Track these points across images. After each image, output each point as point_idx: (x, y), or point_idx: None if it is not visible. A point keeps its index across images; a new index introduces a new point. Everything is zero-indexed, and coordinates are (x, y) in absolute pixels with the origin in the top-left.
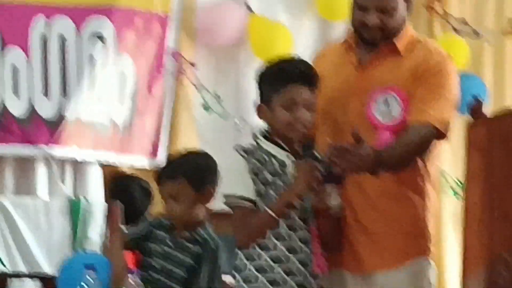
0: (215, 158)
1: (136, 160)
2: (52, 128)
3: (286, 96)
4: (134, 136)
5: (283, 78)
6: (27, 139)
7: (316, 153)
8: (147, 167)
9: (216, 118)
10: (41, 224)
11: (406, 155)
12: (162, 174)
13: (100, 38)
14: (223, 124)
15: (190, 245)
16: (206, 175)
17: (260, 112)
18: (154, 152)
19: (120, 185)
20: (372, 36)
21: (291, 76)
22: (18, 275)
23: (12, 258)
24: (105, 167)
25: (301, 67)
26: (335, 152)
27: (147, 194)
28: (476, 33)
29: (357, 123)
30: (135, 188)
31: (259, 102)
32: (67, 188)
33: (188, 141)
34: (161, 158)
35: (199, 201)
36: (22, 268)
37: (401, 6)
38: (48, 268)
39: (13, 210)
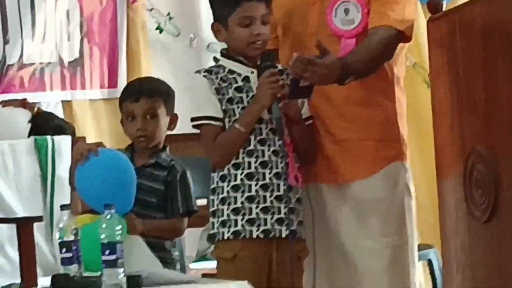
0: (177, 79)
1: (94, 94)
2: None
3: (242, 14)
4: (89, 69)
5: None
6: None
7: (276, 64)
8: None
9: (172, 40)
10: (8, 167)
11: (371, 60)
12: (136, 92)
13: None
14: (179, 44)
15: (157, 172)
16: (173, 101)
17: (217, 32)
18: (113, 83)
19: (36, 124)
20: None
21: None
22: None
23: None
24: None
25: None
26: (301, 64)
27: (62, 131)
28: None
29: (318, 32)
30: (49, 126)
31: (214, 22)
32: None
33: (146, 66)
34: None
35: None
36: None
37: None
38: (20, 210)
39: None
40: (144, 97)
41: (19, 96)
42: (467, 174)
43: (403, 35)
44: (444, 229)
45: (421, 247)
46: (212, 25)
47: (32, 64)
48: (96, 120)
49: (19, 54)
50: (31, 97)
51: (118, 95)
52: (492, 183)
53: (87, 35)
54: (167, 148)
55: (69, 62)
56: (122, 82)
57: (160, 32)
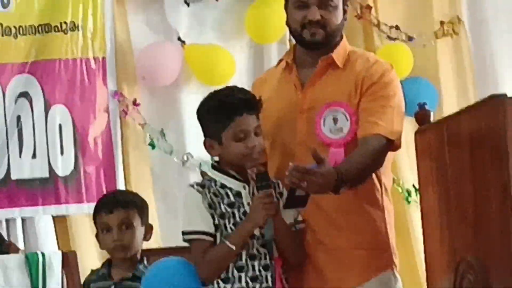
0: (169, 193)
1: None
2: None
3: (236, 129)
4: (84, 183)
5: (228, 112)
6: None
7: (270, 180)
8: None
9: (164, 155)
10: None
11: (364, 169)
12: (110, 203)
13: (26, 95)
14: (171, 160)
15: (136, 285)
16: (147, 212)
17: (209, 148)
18: None
19: None
20: (313, 33)
21: (235, 109)
22: None
23: None
24: (56, 218)
25: (242, 96)
26: (298, 174)
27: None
28: (410, 39)
29: (307, 141)
30: None
31: (206, 138)
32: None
33: (142, 179)
34: None
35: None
36: None
37: (340, 9)
38: None
39: None
40: (119, 208)
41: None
42: (457, 284)
43: (392, 144)
44: None
45: None
46: (204, 141)
47: (22, 180)
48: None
49: (5, 170)
50: (20, 212)
51: None
52: None
53: (81, 149)
54: (145, 260)
55: (63, 177)
56: None
57: (153, 148)
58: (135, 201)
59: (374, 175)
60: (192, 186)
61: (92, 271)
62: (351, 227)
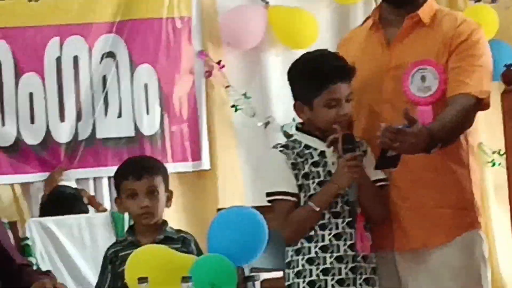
0: (254, 156)
1: (178, 167)
2: (70, 152)
3: (329, 97)
4: (170, 143)
5: (322, 79)
6: (44, 167)
7: (356, 142)
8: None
9: (247, 117)
10: (86, 240)
11: (455, 129)
12: (138, 170)
13: (112, 55)
14: (253, 122)
15: (170, 245)
16: (168, 179)
17: (299, 111)
18: (196, 156)
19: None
20: None
21: (330, 77)
22: None
23: (61, 278)
24: None
25: (337, 63)
26: (390, 134)
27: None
28: (493, 0)
29: (393, 101)
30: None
31: (296, 101)
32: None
33: (226, 141)
34: (205, 161)
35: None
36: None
37: None
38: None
39: (57, 229)
40: (146, 174)
41: (94, 170)
42: None
43: (481, 103)
44: None
45: None
46: (295, 104)
47: (108, 139)
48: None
49: (90, 129)
50: (106, 170)
51: (203, 167)
52: None
53: (166, 109)
54: (167, 223)
55: (149, 136)
56: (205, 156)
57: (236, 110)
58: (160, 167)
59: (463, 135)
60: (275, 147)
61: (114, 242)
62: (437, 186)
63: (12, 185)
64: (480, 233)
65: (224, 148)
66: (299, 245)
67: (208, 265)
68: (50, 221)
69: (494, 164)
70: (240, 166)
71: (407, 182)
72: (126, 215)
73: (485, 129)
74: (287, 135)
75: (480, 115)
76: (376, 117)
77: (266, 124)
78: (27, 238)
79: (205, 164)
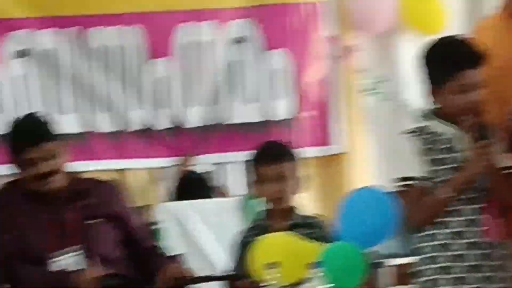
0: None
1: (309, 152)
2: (201, 137)
3: (461, 82)
4: (302, 128)
5: (457, 63)
6: (175, 152)
7: (489, 133)
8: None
9: (379, 101)
10: (216, 225)
11: None
12: (273, 155)
13: (245, 39)
14: (386, 107)
15: (302, 231)
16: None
17: (431, 94)
18: (328, 140)
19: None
20: None
21: (465, 62)
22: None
23: (189, 263)
24: None
25: (471, 49)
26: None
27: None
28: None
29: None
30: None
31: (430, 84)
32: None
33: (358, 125)
34: (338, 145)
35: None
36: (204, 271)
37: None
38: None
39: (187, 214)
40: (278, 160)
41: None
42: None
43: None
44: None
45: None
46: (427, 89)
47: (239, 124)
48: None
49: (222, 114)
50: (237, 156)
51: (335, 152)
52: None
53: (300, 94)
54: (296, 209)
55: (281, 121)
56: (338, 140)
57: (369, 95)
58: (291, 153)
59: None
60: (406, 133)
61: (248, 227)
62: None
63: (144, 169)
64: None
65: (356, 132)
66: (428, 231)
67: (338, 253)
68: (180, 206)
69: None
70: (372, 151)
71: None
72: (257, 201)
73: None
74: (418, 120)
75: None
76: (509, 105)
77: (400, 108)
78: (157, 223)
79: (338, 148)
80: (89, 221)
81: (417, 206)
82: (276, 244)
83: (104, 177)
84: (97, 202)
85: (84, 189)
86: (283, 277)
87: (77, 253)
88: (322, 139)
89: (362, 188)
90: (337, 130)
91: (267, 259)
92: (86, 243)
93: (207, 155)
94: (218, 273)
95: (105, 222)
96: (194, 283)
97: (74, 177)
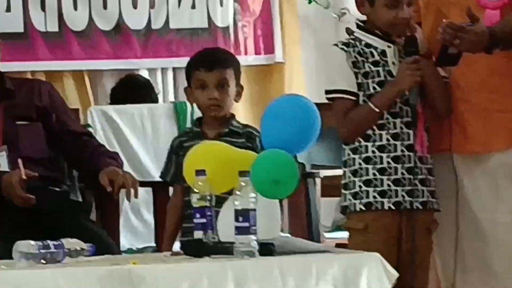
0: (321, 50)
1: (252, 60)
2: (142, 40)
3: None
4: (243, 35)
5: None
6: (116, 55)
7: (420, 47)
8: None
9: (318, 11)
10: (147, 130)
11: None
12: (209, 62)
13: None
14: (324, 16)
15: (234, 139)
16: (240, 73)
17: (360, 5)
18: (269, 49)
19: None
20: None
21: None
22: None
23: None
24: None
25: None
26: (451, 31)
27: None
28: None
29: (462, 2)
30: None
31: None
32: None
33: (295, 34)
34: (278, 54)
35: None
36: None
37: None
38: (157, 173)
39: (119, 118)
40: (218, 67)
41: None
42: None
43: None
44: None
45: None
46: (358, 1)
47: (180, 29)
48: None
49: (164, 20)
50: (178, 62)
51: (275, 61)
52: None
53: (240, 1)
54: (235, 117)
55: (222, 28)
56: (278, 49)
57: (309, 2)
58: (233, 60)
59: None
60: (336, 45)
61: (181, 133)
62: (500, 90)
63: (83, 71)
64: None
65: (294, 41)
66: (356, 144)
67: (270, 161)
68: (111, 109)
69: None
70: (308, 61)
71: (472, 85)
72: (190, 107)
73: None
74: (349, 32)
75: None
76: (443, 18)
77: (340, 16)
78: (89, 125)
79: (278, 57)
80: (18, 122)
81: (346, 119)
82: (208, 152)
83: (42, 78)
84: (25, 102)
85: (10, 89)
86: (214, 184)
87: (2, 153)
88: (262, 48)
89: (284, 95)
90: (277, 39)
91: (198, 166)
92: (12, 144)
93: (147, 59)
94: (149, 178)
95: (34, 122)
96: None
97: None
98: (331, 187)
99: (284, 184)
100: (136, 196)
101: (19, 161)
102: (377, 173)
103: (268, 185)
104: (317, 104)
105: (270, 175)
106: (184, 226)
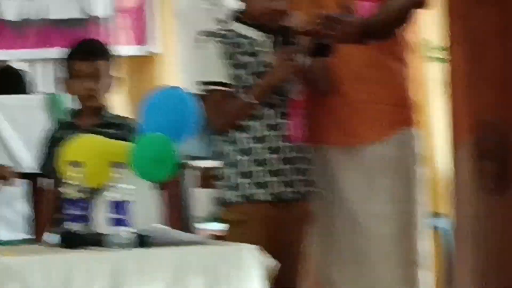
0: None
1: (127, 50)
2: (17, 31)
3: None
4: (117, 26)
5: None
6: None
7: (295, 38)
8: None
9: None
10: (21, 121)
11: (392, 23)
12: (84, 52)
13: None
14: (200, 8)
15: (106, 130)
16: (114, 64)
17: None
18: (145, 40)
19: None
20: None
21: None
22: None
23: None
24: None
25: None
26: (324, 21)
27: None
28: None
29: None
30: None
31: None
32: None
33: (172, 25)
34: (155, 45)
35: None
36: None
37: None
38: (31, 165)
39: None
40: (93, 57)
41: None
42: (479, 144)
43: (421, 1)
44: (456, 197)
45: (431, 215)
46: None
47: (55, 20)
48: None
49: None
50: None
51: (152, 51)
52: (503, 154)
53: None
54: (109, 108)
55: (98, 19)
56: (154, 40)
57: None
58: (108, 51)
59: (400, 31)
60: (210, 36)
61: (55, 124)
62: (373, 82)
63: None
64: (416, 130)
65: (170, 33)
66: (232, 136)
67: (150, 141)
68: None
69: (437, 60)
70: (183, 53)
71: (346, 77)
72: (65, 98)
73: (430, 25)
74: (224, 24)
75: (426, 11)
76: (318, 7)
77: (215, 6)
78: None
79: (154, 48)
80: None
81: (220, 110)
82: (82, 144)
83: None
84: None
85: None
86: (89, 176)
87: None
88: (138, 39)
89: (163, 87)
90: (152, 30)
91: (73, 158)
92: None
93: (22, 50)
94: (24, 170)
95: None
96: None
97: None
98: (208, 178)
99: (164, 164)
100: (9, 185)
101: None
102: (253, 165)
103: (148, 166)
104: (195, 96)
105: (150, 154)
106: (59, 217)
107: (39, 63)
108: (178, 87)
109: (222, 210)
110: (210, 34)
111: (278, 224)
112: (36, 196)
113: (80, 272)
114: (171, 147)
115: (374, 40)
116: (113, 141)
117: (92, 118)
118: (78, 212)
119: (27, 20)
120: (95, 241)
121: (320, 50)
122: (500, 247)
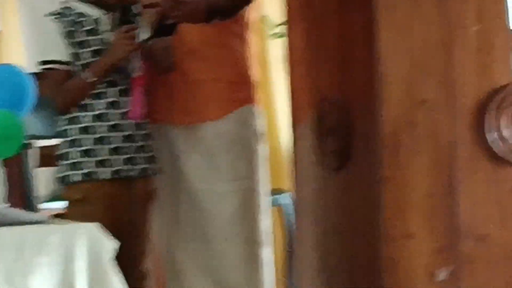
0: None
1: None
2: None
3: None
4: None
5: None
6: None
7: (136, 15)
8: None
9: None
10: None
11: (236, 2)
12: None
13: None
14: None
15: None
16: None
17: None
18: None
19: None
20: None
21: None
22: None
23: None
24: None
25: None
26: (169, 2)
27: None
28: None
29: None
30: None
31: None
32: None
33: (11, 5)
34: None
35: None
36: None
37: None
38: None
39: None
40: None
41: None
42: (320, 121)
43: None
44: (296, 174)
45: (273, 192)
46: None
47: None
48: None
49: None
50: None
51: None
52: (344, 131)
53: None
54: None
55: None
56: None
57: None
58: None
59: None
60: (48, 15)
61: None
62: (212, 59)
63: None
64: (256, 107)
65: (12, 11)
66: (72, 114)
67: None
68: None
69: (279, 37)
70: (24, 32)
71: (183, 56)
72: None
73: (270, 1)
74: (64, 2)
75: None
76: None
77: None
78: None
79: None
80: None
81: (60, 90)
82: None
83: None
84: None
85: None
86: None
87: None
88: None
89: None
90: None
91: None
92: None
93: None
94: None
95: None
96: None
97: None
98: (50, 157)
99: (8, 141)
100: None
101: None
102: (95, 143)
103: None
104: (35, 74)
105: None
106: None
107: None
108: (11, 64)
109: (64, 189)
110: (50, 12)
111: (120, 202)
112: None
113: None
114: (17, 124)
115: (219, 19)
116: None
117: None
118: None
119: None
120: None
121: (164, 29)
122: (338, 222)
